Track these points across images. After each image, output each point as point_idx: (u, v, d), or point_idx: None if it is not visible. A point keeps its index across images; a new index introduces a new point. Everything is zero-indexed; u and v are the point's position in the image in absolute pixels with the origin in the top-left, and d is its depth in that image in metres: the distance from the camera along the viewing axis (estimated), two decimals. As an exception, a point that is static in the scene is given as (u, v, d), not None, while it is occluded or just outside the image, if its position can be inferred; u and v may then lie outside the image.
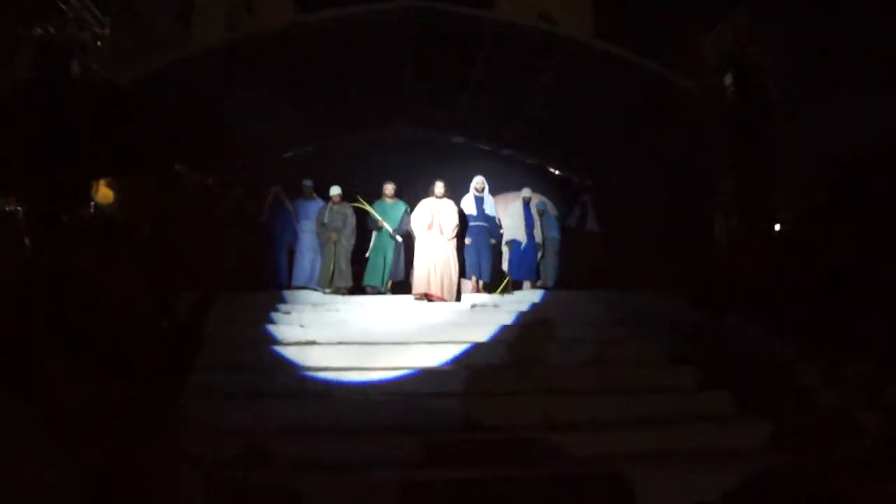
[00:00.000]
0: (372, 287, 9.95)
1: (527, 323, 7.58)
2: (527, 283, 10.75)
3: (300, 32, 9.32)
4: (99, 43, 8.52)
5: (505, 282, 10.40)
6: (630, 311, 8.15)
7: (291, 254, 10.67)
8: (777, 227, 8.45)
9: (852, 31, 7.79)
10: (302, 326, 7.31)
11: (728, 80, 8.92)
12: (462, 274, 9.62)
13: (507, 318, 7.77)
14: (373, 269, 9.96)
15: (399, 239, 9.99)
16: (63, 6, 8.20)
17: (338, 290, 9.76)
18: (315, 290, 9.94)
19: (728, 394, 5.80)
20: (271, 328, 7.26)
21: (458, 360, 6.36)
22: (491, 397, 5.72)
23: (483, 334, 6.99)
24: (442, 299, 8.65)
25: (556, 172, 13.55)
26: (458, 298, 8.95)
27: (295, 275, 10.46)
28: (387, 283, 10.04)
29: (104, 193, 7.12)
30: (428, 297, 8.67)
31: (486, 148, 13.46)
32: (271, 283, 10.19)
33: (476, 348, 6.54)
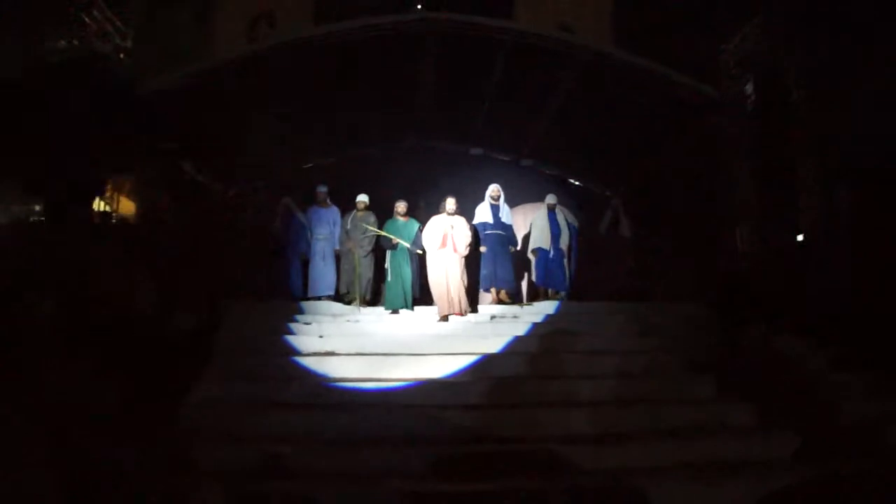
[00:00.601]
0: (394, 311, 9.32)
1: (546, 334, 7.54)
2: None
3: (320, 44, 9.37)
4: (122, 55, 8.66)
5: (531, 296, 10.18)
6: (651, 322, 8.10)
7: (305, 264, 10.39)
8: (800, 236, 8.39)
9: (873, 37, 7.73)
10: (321, 337, 7.34)
11: (749, 88, 8.88)
12: (476, 284, 9.45)
13: (525, 329, 7.76)
14: (393, 294, 9.43)
15: (419, 251, 9.51)
16: (86, 19, 8.37)
17: (356, 303, 9.48)
18: (336, 300, 9.76)
19: (750, 405, 5.74)
20: (290, 339, 7.31)
21: (476, 372, 6.35)
22: (509, 409, 5.69)
23: (502, 345, 6.99)
24: (459, 314, 8.47)
25: (577, 183, 13.50)
26: (476, 309, 8.85)
27: (311, 286, 10.20)
28: (411, 304, 9.46)
29: (126, 205, 7.29)
30: (447, 317, 8.46)
31: (505, 159, 13.45)
32: (285, 294, 9.95)
33: (495, 359, 6.54)
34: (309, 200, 10.62)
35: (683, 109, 9.74)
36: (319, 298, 9.81)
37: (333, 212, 10.38)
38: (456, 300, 8.44)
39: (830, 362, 6.66)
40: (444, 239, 8.65)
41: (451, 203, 8.88)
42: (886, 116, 9.39)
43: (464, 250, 8.72)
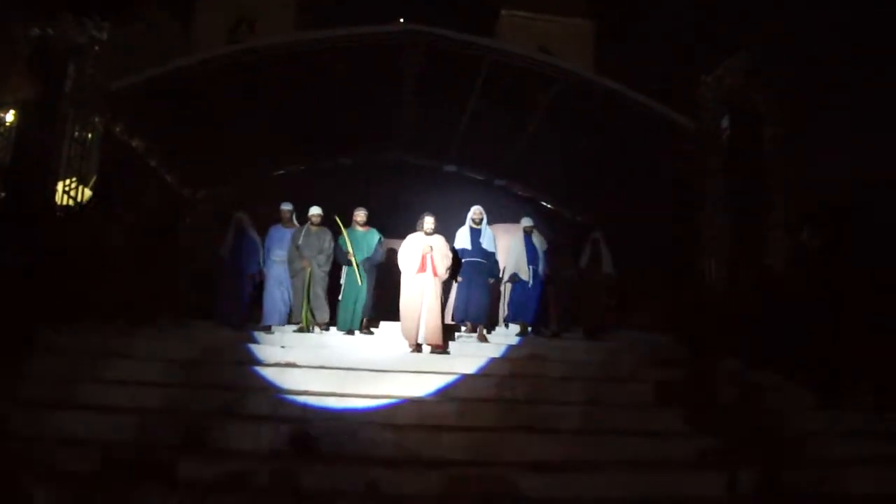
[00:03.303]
0: (349, 332, 8.77)
1: (514, 357, 7.36)
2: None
3: (299, 49, 9.20)
4: (97, 47, 8.39)
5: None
6: (622, 351, 8.04)
7: (258, 288, 9.39)
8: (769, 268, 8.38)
9: (850, 75, 7.83)
10: (283, 347, 7.11)
11: (725, 122, 8.89)
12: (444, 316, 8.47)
13: (495, 352, 7.57)
14: (344, 313, 8.84)
15: (366, 280, 8.85)
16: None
17: (308, 327, 8.75)
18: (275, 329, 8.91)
19: (716, 439, 5.63)
20: (252, 347, 7.07)
21: (441, 392, 6.17)
22: (473, 432, 5.52)
23: (469, 366, 6.81)
24: (440, 347, 7.56)
25: (549, 206, 13.45)
26: (446, 345, 7.77)
27: (266, 313, 9.15)
28: (361, 324, 8.94)
29: (85, 193, 7.05)
30: (420, 346, 7.59)
31: (479, 178, 13.37)
32: (230, 321, 8.90)
33: (462, 381, 6.35)
34: (274, 213, 9.66)
35: (659, 139, 9.73)
36: (269, 329, 8.90)
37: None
38: (430, 330, 7.57)
39: (798, 398, 6.62)
40: (423, 261, 7.80)
41: (429, 221, 8.03)
42: (855, 159, 9.53)
43: (444, 273, 7.90)
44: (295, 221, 9.52)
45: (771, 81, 8.86)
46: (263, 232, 9.55)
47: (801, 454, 5.63)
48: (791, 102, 8.95)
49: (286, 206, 9.54)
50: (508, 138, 11.53)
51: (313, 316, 8.78)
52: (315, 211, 9.14)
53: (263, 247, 9.41)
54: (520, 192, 13.41)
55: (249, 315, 9.22)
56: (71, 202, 8.21)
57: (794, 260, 8.08)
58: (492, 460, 5.09)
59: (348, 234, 8.92)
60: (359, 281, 8.73)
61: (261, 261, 9.36)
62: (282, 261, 9.19)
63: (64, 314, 7.31)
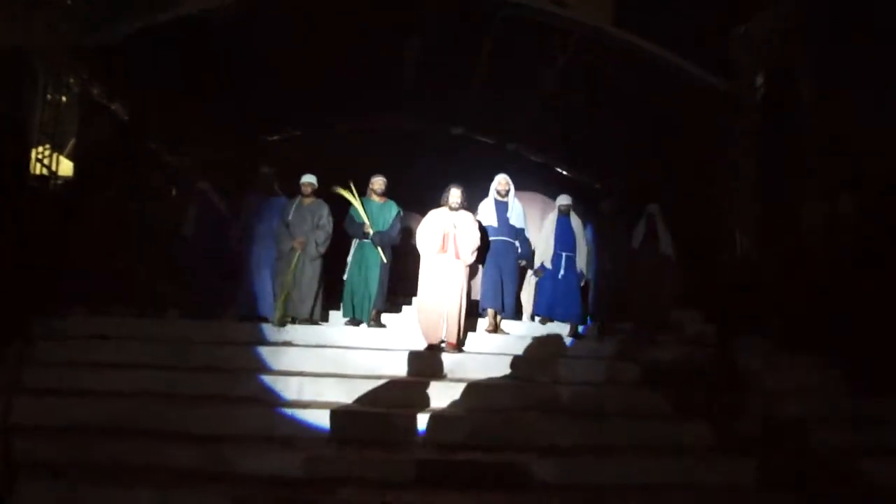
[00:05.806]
0: (353, 321, 7.80)
1: (527, 337, 7.31)
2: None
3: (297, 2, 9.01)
4: (69, 1, 8.25)
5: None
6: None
7: (231, 274, 8.21)
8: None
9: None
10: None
11: (759, 80, 8.70)
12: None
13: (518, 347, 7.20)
14: (354, 296, 7.79)
15: (385, 260, 7.86)
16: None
17: (294, 321, 7.49)
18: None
19: (739, 424, 5.66)
20: (246, 326, 7.16)
21: (449, 371, 6.22)
22: (483, 414, 5.51)
23: (477, 347, 6.87)
24: (452, 345, 6.81)
25: (564, 173, 13.28)
26: (462, 344, 7.00)
27: (254, 301, 7.96)
28: (371, 315, 7.77)
29: (66, 166, 6.98)
30: (439, 346, 6.86)
31: (489, 141, 13.20)
32: (203, 313, 7.82)
33: (467, 360, 6.40)
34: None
35: (686, 99, 9.55)
36: (265, 319, 7.62)
37: (283, 203, 8.20)
38: (451, 324, 6.84)
39: (827, 382, 6.61)
40: (445, 241, 7.10)
41: (455, 195, 7.28)
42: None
43: (468, 257, 7.17)
44: (277, 189, 8.53)
45: (809, 34, 8.65)
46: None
47: (828, 441, 5.57)
48: (832, 57, 8.73)
49: (266, 169, 8.61)
50: (522, 99, 11.35)
51: (286, 306, 7.49)
52: (307, 179, 8.09)
53: (242, 220, 8.36)
54: (533, 157, 13.26)
55: (222, 303, 8.19)
56: (45, 171, 8.10)
57: (830, 232, 7.93)
58: (501, 445, 5.09)
59: (364, 204, 8.02)
60: (383, 259, 7.83)
61: (236, 238, 8.30)
62: (269, 236, 8.04)
63: (42, 300, 7.25)
